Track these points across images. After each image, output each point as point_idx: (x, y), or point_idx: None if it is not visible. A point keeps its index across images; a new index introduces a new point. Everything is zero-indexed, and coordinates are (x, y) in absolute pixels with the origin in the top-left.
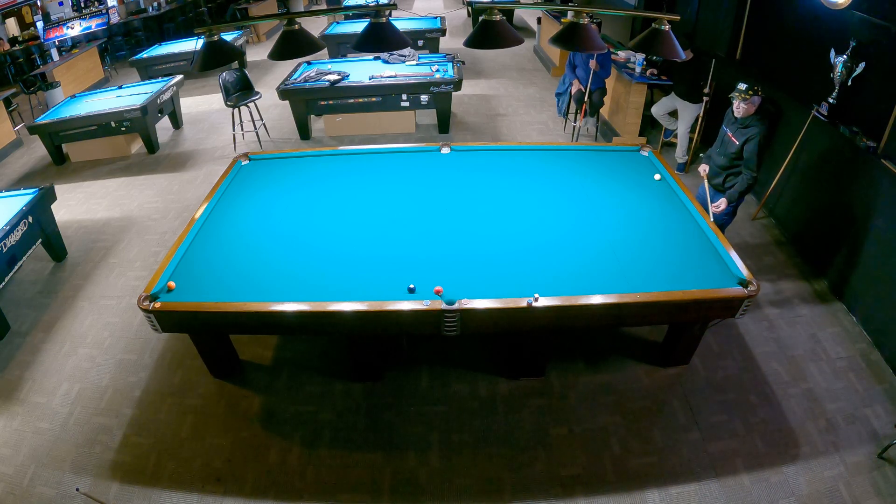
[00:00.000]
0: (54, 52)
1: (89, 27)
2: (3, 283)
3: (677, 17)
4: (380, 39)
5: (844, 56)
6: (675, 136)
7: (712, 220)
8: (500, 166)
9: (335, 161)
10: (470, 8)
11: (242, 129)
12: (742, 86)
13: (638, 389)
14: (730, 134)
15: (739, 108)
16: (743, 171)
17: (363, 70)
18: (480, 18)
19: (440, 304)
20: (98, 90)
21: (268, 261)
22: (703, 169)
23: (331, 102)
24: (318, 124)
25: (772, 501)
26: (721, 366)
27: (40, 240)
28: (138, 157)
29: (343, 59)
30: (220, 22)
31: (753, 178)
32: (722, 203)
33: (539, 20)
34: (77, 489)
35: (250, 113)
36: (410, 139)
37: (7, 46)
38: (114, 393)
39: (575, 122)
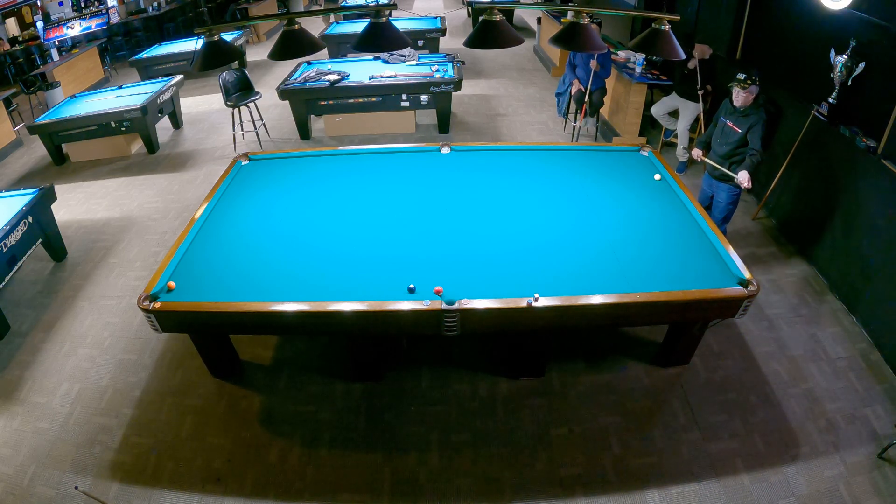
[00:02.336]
0: (54, 52)
1: (89, 27)
2: (3, 283)
3: (677, 17)
4: (380, 39)
5: (844, 56)
6: (675, 136)
7: (717, 214)
8: (500, 166)
9: (335, 161)
10: (470, 8)
11: (242, 129)
12: (740, 75)
13: (638, 389)
14: (730, 123)
15: (738, 96)
16: (749, 154)
17: (363, 70)
18: (480, 18)
19: (440, 304)
20: (98, 90)
21: (268, 261)
22: (697, 153)
23: (331, 102)
24: (318, 124)
25: (772, 501)
26: (721, 366)
27: (40, 240)
28: (138, 157)
29: (343, 59)
30: (220, 22)
31: (762, 156)
32: (743, 175)
33: (539, 20)
34: (76, 487)
35: (250, 113)
36: (410, 139)
37: (7, 46)
38: (114, 393)
39: (575, 122)
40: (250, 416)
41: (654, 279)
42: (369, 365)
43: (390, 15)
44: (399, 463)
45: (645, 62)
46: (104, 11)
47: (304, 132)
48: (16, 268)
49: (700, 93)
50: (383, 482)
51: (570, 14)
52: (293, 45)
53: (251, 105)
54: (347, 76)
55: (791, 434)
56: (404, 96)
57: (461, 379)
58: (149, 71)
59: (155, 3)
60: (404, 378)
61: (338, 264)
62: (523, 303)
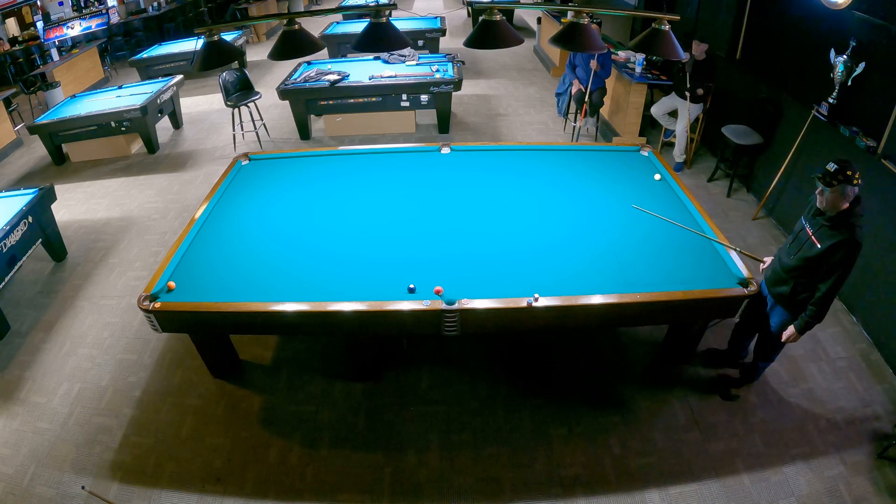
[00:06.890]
0: (54, 52)
1: (89, 27)
2: (3, 283)
3: (677, 17)
4: (380, 39)
5: (844, 56)
6: (675, 136)
7: (759, 343)
8: (500, 166)
9: (335, 161)
10: (470, 8)
11: (242, 129)
12: (830, 166)
13: (638, 389)
14: (809, 231)
15: (823, 196)
16: (810, 305)
17: (363, 70)
18: (480, 18)
19: (440, 304)
20: (98, 90)
21: (268, 261)
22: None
23: (331, 102)
24: (318, 124)
25: (772, 501)
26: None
27: (40, 240)
28: (138, 157)
29: (343, 59)
30: (220, 22)
31: (823, 313)
32: (789, 332)
33: (539, 20)
34: (83, 487)
35: (250, 113)
36: (410, 139)
37: (7, 46)
38: (114, 393)
39: (575, 122)
40: (250, 416)
41: (654, 279)
42: (369, 365)
43: (390, 15)
44: (399, 463)
45: (645, 62)
46: (104, 11)
47: (304, 132)
48: (16, 268)
49: (699, 93)
50: (383, 482)
51: (570, 14)
52: (293, 45)
53: (251, 105)
54: (347, 76)
55: (791, 434)
56: (404, 96)
57: (461, 379)
58: (149, 71)
59: (155, 3)
60: (404, 378)
61: (338, 264)
62: (523, 303)
